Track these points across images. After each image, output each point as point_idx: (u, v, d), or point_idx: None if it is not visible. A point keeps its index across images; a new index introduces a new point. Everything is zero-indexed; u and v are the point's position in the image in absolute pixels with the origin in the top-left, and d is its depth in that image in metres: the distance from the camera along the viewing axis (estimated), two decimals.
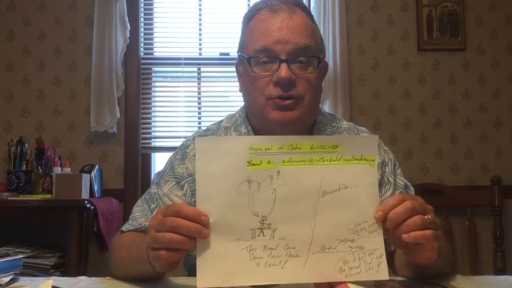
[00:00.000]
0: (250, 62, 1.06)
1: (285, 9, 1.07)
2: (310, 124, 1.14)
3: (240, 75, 1.15)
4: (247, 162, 0.80)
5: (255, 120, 1.13)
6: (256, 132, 1.13)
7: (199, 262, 0.78)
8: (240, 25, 1.16)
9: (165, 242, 0.77)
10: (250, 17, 1.12)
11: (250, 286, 0.79)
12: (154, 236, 0.79)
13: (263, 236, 0.79)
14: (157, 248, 0.78)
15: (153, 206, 1.10)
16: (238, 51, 1.15)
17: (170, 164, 1.16)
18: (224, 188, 0.79)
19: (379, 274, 0.80)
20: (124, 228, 1.10)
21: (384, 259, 0.80)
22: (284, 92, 1.03)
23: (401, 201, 0.80)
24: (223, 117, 1.23)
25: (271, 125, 1.05)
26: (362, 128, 1.23)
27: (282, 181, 0.80)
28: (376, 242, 0.80)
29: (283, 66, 1.03)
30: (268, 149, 0.80)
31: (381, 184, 1.12)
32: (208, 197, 0.79)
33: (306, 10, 1.12)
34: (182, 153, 1.16)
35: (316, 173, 0.81)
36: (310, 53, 1.06)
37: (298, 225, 0.79)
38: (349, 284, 0.75)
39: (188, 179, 1.11)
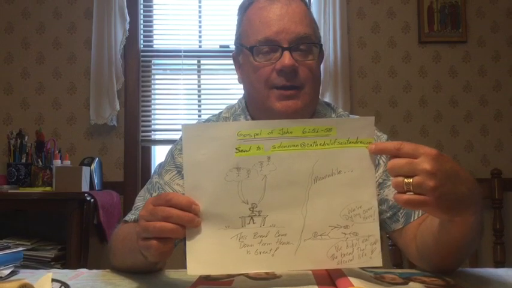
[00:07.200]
0: (253, 51, 1.06)
1: None
2: (311, 113, 1.14)
3: (240, 66, 1.15)
4: (236, 148, 0.77)
5: (256, 110, 1.13)
6: None
7: (189, 250, 0.77)
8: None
9: (156, 231, 0.76)
10: (247, 6, 1.11)
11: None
12: (144, 226, 0.77)
13: (253, 223, 0.77)
14: (147, 238, 0.77)
15: (154, 194, 1.11)
16: (236, 42, 1.14)
17: (171, 154, 1.17)
18: (212, 176, 0.78)
19: (373, 261, 0.78)
20: (127, 218, 1.10)
21: (378, 245, 0.78)
22: (287, 82, 1.04)
23: (398, 150, 0.74)
24: (223, 109, 1.23)
25: (274, 116, 1.03)
26: (355, 116, 1.23)
27: (273, 167, 0.77)
28: (371, 227, 0.78)
29: (286, 53, 1.03)
30: (257, 134, 0.77)
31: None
32: (196, 186, 0.78)
33: None
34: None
35: (308, 158, 0.78)
36: (310, 41, 1.06)
37: (290, 212, 0.78)
38: (349, 278, 0.75)
39: None
